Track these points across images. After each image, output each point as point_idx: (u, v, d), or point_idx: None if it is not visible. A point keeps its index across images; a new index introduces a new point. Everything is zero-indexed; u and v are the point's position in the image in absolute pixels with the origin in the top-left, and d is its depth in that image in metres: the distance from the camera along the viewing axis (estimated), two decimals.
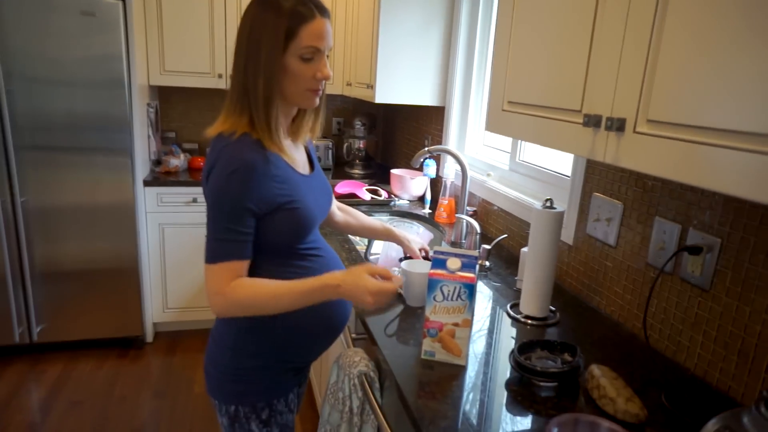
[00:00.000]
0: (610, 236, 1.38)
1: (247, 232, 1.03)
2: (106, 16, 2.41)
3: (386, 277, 1.07)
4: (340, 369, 1.26)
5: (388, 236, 1.52)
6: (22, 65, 2.36)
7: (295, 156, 1.15)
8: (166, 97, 3.26)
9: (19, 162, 2.46)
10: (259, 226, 1.05)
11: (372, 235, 1.53)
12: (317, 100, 1.12)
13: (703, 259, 1.10)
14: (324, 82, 1.09)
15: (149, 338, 2.95)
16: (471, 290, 1.08)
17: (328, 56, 1.08)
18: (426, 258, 1.51)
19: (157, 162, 3.05)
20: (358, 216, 1.51)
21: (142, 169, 2.73)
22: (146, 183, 2.73)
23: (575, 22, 0.98)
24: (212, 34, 2.90)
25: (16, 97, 2.39)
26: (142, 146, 2.77)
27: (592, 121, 0.92)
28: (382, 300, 1.03)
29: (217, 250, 1.03)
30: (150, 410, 2.37)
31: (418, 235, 1.71)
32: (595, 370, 1.02)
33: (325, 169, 3.29)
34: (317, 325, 1.18)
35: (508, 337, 1.26)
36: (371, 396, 1.16)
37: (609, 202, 1.39)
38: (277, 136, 1.07)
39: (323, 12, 1.04)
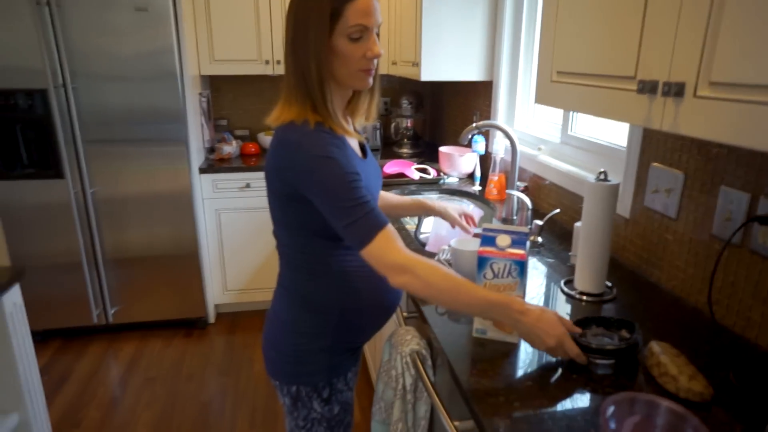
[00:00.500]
0: (671, 208, 1.31)
1: (372, 200, 1.01)
2: (158, 10, 2.49)
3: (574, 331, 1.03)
4: (392, 347, 1.28)
5: (422, 209, 1.48)
6: (84, 63, 2.49)
7: (351, 141, 1.15)
8: (216, 86, 3.35)
9: (87, 155, 2.62)
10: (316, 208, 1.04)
11: (405, 212, 1.50)
12: (371, 80, 1.09)
13: None
14: (376, 61, 1.06)
15: (211, 319, 3.09)
16: (522, 267, 1.06)
17: (378, 33, 1.06)
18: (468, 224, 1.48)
19: (211, 150, 3.15)
20: (386, 197, 1.48)
21: (197, 157, 2.84)
22: (201, 170, 2.84)
23: None
24: (258, 21, 2.94)
25: (80, 94, 2.53)
26: (196, 135, 2.87)
27: (648, 87, 0.87)
28: (559, 352, 0.99)
29: (364, 227, 0.98)
30: (215, 387, 2.50)
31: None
32: (655, 346, 0.98)
33: (373, 150, 3.30)
34: (372, 306, 1.19)
35: (563, 314, 1.23)
36: (423, 374, 1.17)
37: (669, 172, 1.32)
38: (337, 119, 1.06)
39: None
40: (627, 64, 0.94)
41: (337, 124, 1.05)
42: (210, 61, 2.96)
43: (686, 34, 0.80)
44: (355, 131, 1.20)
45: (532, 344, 1.00)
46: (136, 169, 2.69)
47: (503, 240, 1.09)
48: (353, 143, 1.15)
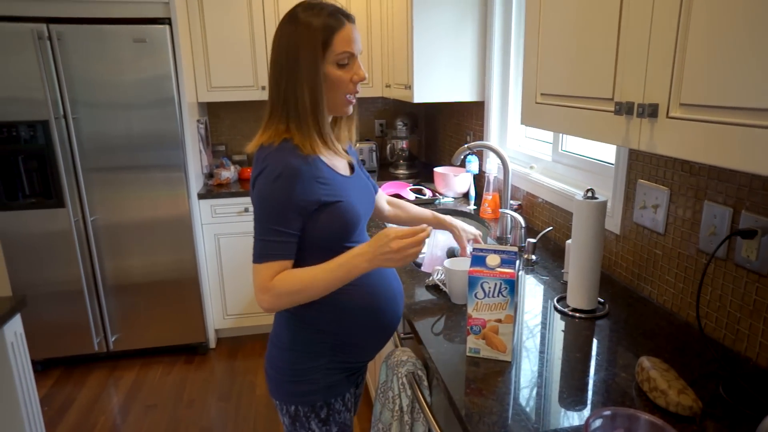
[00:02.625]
0: (658, 223, 1.34)
1: (292, 233, 1.09)
2: (156, 41, 2.55)
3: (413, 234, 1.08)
4: (389, 368, 1.29)
5: (438, 224, 1.53)
6: (85, 93, 2.55)
7: (334, 160, 1.19)
8: (214, 112, 3.41)
9: (87, 183, 2.66)
10: (306, 224, 1.10)
11: (422, 223, 1.53)
12: (351, 109, 1.18)
13: (758, 243, 1.05)
14: (359, 86, 1.16)
15: (212, 344, 3.09)
16: (512, 286, 1.08)
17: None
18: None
19: (210, 175, 3.19)
20: (408, 208, 1.55)
21: (195, 183, 2.87)
22: (200, 196, 2.87)
23: (601, 8, 0.97)
24: (253, 47, 3.01)
25: (80, 124, 2.58)
26: (195, 161, 2.91)
27: (624, 109, 0.90)
28: (409, 250, 1.05)
29: (263, 250, 1.08)
30: (216, 412, 2.49)
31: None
32: (645, 362, 1.00)
33: (370, 171, 3.34)
34: (368, 326, 1.22)
35: (557, 331, 1.25)
36: (419, 394, 1.18)
37: (655, 189, 1.34)
38: (330, 142, 1.14)
39: (350, 18, 1.11)
40: (605, 86, 0.97)
41: (314, 147, 1.11)
42: (207, 88, 3.02)
43: (657, 57, 0.83)
44: (344, 151, 1.24)
45: (392, 266, 1.07)
46: (135, 195, 2.73)
47: (493, 260, 1.11)
48: (338, 161, 1.20)
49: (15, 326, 1.54)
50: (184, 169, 2.75)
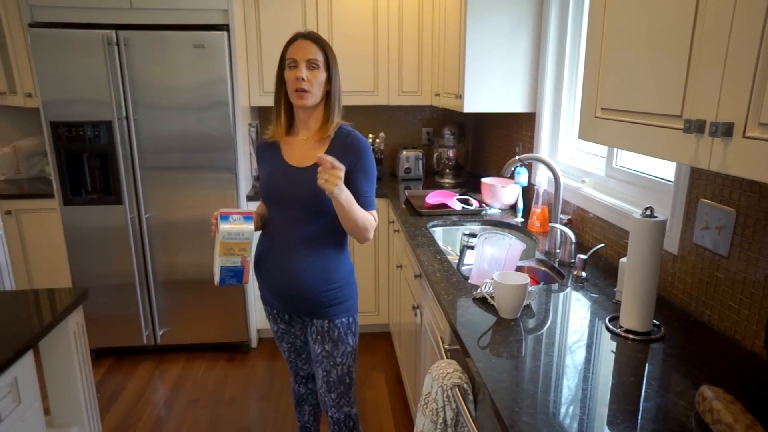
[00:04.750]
0: (722, 246, 1.28)
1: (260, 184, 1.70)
2: (214, 47, 2.64)
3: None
4: (433, 380, 1.29)
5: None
6: (145, 96, 2.66)
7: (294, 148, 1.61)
8: (265, 116, 3.49)
9: (144, 182, 2.77)
10: None
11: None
12: (303, 101, 1.51)
13: None
14: (307, 84, 1.50)
15: (254, 344, 3.16)
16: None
17: (316, 66, 1.51)
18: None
19: (258, 177, 3.27)
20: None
21: (245, 184, 2.95)
22: (249, 198, 2.94)
23: (673, 20, 0.94)
24: None
25: (141, 125, 2.69)
26: (245, 163, 2.99)
27: (695, 127, 0.87)
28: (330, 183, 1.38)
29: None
30: (256, 412, 2.54)
31: (510, 247, 1.69)
32: (707, 391, 0.95)
33: (415, 179, 3.34)
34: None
35: (607, 351, 1.21)
36: (465, 409, 1.17)
37: (719, 209, 1.29)
38: (278, 126, 1.61)
39: (305, 36, 1.52)
40: (673, 103, 0.94)
41: (276, 131, 1.62)
42: (260, 92, 3.10)
43: (734, 74, 0.80)
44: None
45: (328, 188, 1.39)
46: (187, 195, 2.83)
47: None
48: (285, 147, 1.62)
49: (77, 317, 1.62)
50: (235, 171, 2.82)
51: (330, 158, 1.37)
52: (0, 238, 3.08)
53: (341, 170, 1.38)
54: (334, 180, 1.36)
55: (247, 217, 1.53)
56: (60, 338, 1.58)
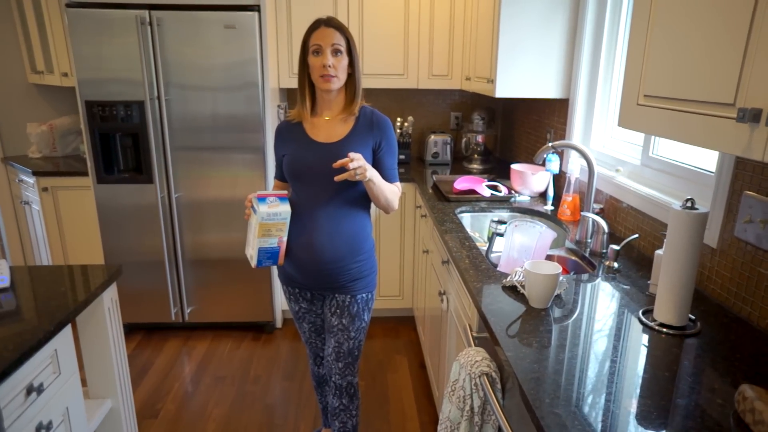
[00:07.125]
0: (765, 240, 1.23)
1: (279, 162, 1.82)
2: (245, 27, 2.64)
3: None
4: (461, 367, 1.28)
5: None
6: (177, 76, 2.68)
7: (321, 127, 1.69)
8: (293, 98, 3.49)
9: (174, 161, 2.81)
10: None
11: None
12: (329, 85, 1.59)
13: None
14: (333, 70, 1.57)
15: (279, 324, 3.20)
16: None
17: (342, 52, 1.58)
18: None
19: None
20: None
21: (272, 165, 2.96)
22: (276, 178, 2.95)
23: (729, 2, 0.89)
24: None
25: (172, 105, 2.72)
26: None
27: (750, 116, 0.83)
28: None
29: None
30: (280, 392, 2.58)
31: (540, 235, 1.66)
32: (748, 391, 0.92)
33: (443, 164, 3.31)
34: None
35: (640, 345, 1.19)
36: (493, 397, 1.16)
37: (764, 203, 1.24)
38: (303, 109, 1.69)
39: (327, 23, 1.59)
40: (726, 91, 0.90)
41: (302, 113, 1.69)
42: (289, 74, 3.10)
43: None
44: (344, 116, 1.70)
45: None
46: (216, 175, 2.86)
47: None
48: (310, 126, 1.69)
49: (111, 293, 1.66)
50: (263, 152, 2.84)
51: (348, 157, 1.49)
52: (38, 214, 3.18)
53: (361, 159, 1.50)
54: (362, 171, 1.49)
55: (282, 198, 1.58)
56: (96, 313, 1.62)
